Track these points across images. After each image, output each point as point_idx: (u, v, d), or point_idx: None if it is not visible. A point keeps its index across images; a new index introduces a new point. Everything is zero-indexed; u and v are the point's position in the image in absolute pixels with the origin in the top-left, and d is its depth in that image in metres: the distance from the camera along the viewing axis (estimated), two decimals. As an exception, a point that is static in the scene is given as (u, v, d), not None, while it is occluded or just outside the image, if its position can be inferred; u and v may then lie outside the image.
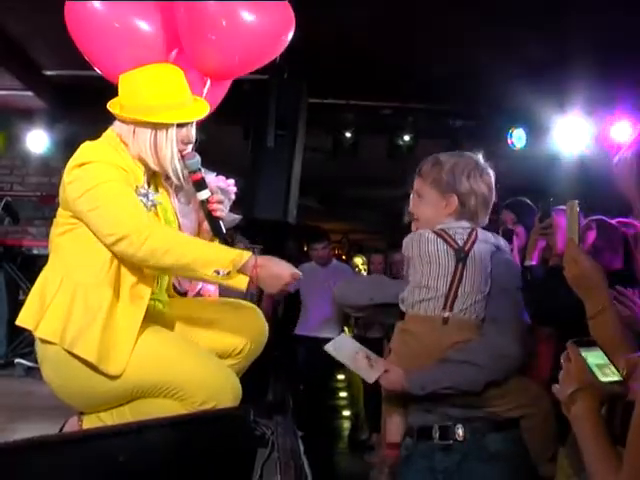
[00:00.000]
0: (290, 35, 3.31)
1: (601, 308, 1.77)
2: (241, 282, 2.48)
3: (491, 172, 2.46)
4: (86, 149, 2.62)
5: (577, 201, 1.96)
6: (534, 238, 3.35)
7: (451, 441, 2.27)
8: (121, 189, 2.54)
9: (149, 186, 2.73)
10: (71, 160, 2.59)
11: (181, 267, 2.49)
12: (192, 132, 2.73)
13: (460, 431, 2.27)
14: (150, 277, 2.67)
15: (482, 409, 2.28)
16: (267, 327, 2.96)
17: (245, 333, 2.86)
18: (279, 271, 2.55)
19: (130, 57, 3.12)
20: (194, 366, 2.61)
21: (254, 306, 3.04)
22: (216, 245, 2.68)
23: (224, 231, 2.80)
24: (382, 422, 2.65)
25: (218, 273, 2.44)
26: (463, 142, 7.64)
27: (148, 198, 2.64)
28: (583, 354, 1.52)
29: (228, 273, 2.45)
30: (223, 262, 2.46)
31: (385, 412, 2.65)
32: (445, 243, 2.34)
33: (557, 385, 1.55)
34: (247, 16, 3.18)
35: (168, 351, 2.63)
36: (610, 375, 1.48)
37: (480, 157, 2.46)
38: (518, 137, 7.51)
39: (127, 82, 2.70)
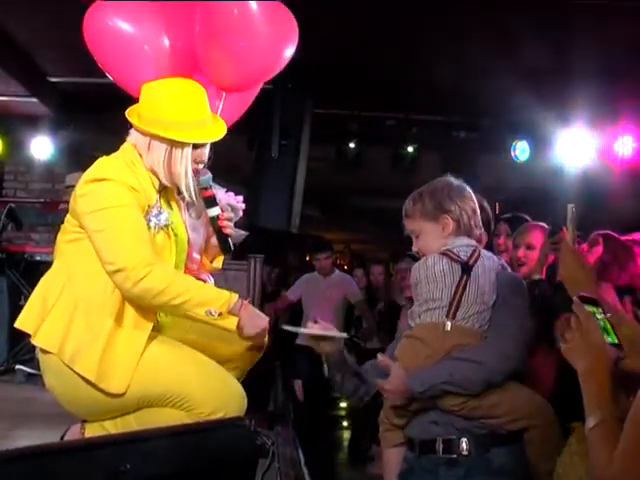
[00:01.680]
0: (294, 47, 3.38)
1: None
2: (231, 323, 2.55)
3: (467, 187, 2.54)
4: (103, 164, 2.60)
5: (573, 205, 2.03)
6: (544, 253, 3.35)
7: (455, 455, 2.27)
8: (131, 216, 2.52)
9: (161, 200, 2.70)
10: (86, 173, 2.57)
11: (174, 307, 2.53)
12: (206, 152, 2.72)
13: (464, 445, 2.27)
14: None
15: (485, 420, 2.28)
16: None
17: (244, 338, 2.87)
18: (259, 316, 2.64)
19: (147, 69, 3.16)
20: (201, 376, 2.60)
21: None
22: (209, 286, 2.72)
23: (232, 248, 2.83)
24: (380, 433, 2.66)
25: (210, 313, 2.50)
26: (466, 154, 7.68)
27: (159, 219, 2.62)
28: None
29: (220, 314, 2.51)
30: (216, 304, 2.52)
31: (383, 445, 2.68)
32: (450, 260, 2.40)
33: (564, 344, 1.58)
34: (261, 26, 3.26)
35: (174, 361, 2.61)
36: (610, 337, 1.54)
37: (451, 178, 2.54)
38: (521, 149, 7.52)
39: (148, 93, 2.67)
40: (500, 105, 6.74)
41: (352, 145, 7.84)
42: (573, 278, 1.93)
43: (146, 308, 2.60)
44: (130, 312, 2.57)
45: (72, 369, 2.48)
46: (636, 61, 5.45)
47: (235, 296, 2.57)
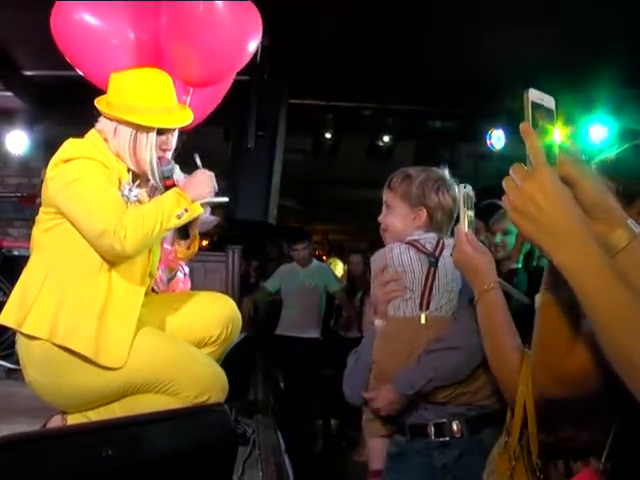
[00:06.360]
0: (257, 41, 3.46)
1: (485, 289, 1.90)
2: (197, 208, 2.62)
3: (456, 188, 2.51)
4: (70, 146, 2.64)
5: (464, 185, 2.06)
6: (520, 241, 3.39)
7: (448, 437, 2.31)
8: (101, 182, 2.56)
9: (134, 183, 2.75)
10: (55, 156, 2.62)
11: (157, 235, 2.57)
12: (172, 140, 2.78)
13: (456, 427, 2.30)
14: (142, 269, 2.71)
15: (474, 403, 2.31)
16: (239, 313, 3.02)
17: (218, 320, 2.91)
18: (198, 181, 2.69)
19: (114, 63, 3.18)
20: (186, 360, 2.67)
21: (223, 295, 3.09)
22: (162, 198, 2.68)
23: (188, 235, 2.89)
24: (363, 421, 2.69)
25: (179, 217, 2.56)
26: (442, 143, 7.72)
27: (130, 193, 2.67)
28: None
29: (186, 210, 2.56)
30: (178, 206, 2.56)
31: (366, 434, 2.71)
32: (417, 251, 2.42)
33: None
34: (225, 20, 3.29)
35: (159, 347, 2.66)
36: None
37: (447, 172, 2.54)
38: (497, 138, 7.55)
39: (116, 81, 2.75)
40: (475, 94, 6.78)
41: (328, 135, 7.85)
42: (464, 263, 1.98)
43: (134, 283, 2.65)
44: (120, 288, 2.61)
45: (65, 348, 2.49)
46: (610, 50, 5.51)
47: (175, 188, 2.64)
